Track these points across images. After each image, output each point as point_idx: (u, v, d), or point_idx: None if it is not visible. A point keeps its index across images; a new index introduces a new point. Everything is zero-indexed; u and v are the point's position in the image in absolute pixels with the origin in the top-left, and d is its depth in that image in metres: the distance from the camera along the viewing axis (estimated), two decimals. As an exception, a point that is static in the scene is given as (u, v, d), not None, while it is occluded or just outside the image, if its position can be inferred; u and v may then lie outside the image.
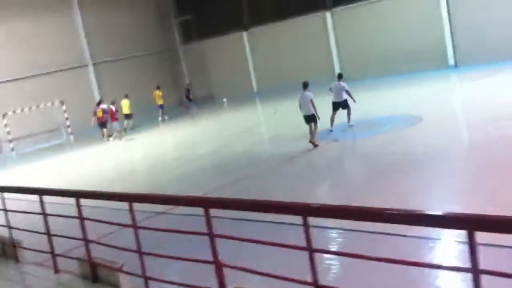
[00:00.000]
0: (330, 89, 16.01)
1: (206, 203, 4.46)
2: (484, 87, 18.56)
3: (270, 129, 20.25)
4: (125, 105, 26.90)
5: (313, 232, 3.59)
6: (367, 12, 27.63)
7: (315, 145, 13.86)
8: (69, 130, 29.04)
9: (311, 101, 13.96)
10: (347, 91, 15.64)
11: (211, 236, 4.36)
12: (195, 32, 35.74)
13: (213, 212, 4.32)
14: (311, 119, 14.03)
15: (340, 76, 16.38)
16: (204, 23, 34.97)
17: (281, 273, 3.96)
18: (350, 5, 28.33)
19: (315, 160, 13.02)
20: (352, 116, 15.84)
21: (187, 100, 31.45)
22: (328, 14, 29.27)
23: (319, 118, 14.01)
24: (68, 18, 31.23)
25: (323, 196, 10.00)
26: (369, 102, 20.05)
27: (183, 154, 17.93)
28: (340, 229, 7.35)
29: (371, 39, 27.55)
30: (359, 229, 6.73)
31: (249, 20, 33.43)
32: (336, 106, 15.75)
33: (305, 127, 14.40)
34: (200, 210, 4.45)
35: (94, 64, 32.11)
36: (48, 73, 29.62)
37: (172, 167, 15.85)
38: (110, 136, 24.55)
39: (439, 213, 2.96)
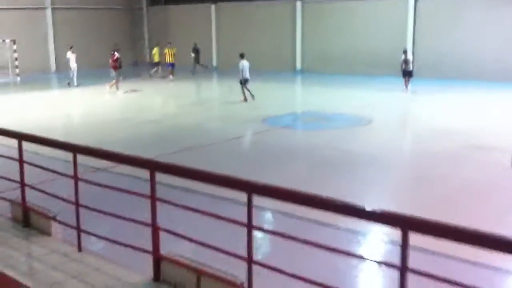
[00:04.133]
0: (240, 68, 18.86)
1: (152, 165, 4.43)
2: (435, 101, 19.20)
3: (222, 106, 20.20)
4: (156, 54, 27.56)
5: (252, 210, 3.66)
6: (338, 9, 27.91)
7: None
8: (17, 71, 27.96)
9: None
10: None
11: (153, 199, 4.36)
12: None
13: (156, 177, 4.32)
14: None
15: (242, 56, 19.10)
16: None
17: (215, 245, 4.02)
18: (321, -1, 28.56)
19: (263, 144, 13.13)
20: (306, 108, 16.16)
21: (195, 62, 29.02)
22: (298, 4, 29.34)
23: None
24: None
25: (263, 179, 10.08)
26: (324, 97, 20.39)
27: (133, 116, 17.60)
28: (278, 211, 7.49)
29: (338, 36, 27.89)
30: (296, 214, 6.87)
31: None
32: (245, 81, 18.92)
33: (257, 109, 14.41)
34: (142, 173, 4.43)
35: (53, 9, 30.93)
36: (3, 8, 28.32)
37: (119, 127, 15.54)
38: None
39: (378, 209, 3.10)
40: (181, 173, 4.43)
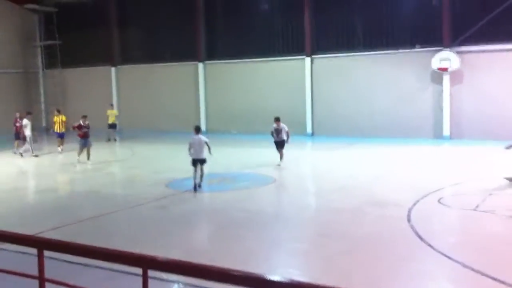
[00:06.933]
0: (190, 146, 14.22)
1: (40, 244, 4.10)
2: (335, 157, 19.97)
3: (124, 171, 19.65)
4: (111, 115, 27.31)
5: (152, 282, 3.46)
6: (239, 69, 28.71)
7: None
8: None
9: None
10: (207, 144, 14.14)
11: (41, 279, 4.01)
12: (60, 59, 34.08)
13: (48, 252, 3.99)
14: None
15: (198, 129, 14.62)
16: (71, 52, 33.64)
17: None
18: (222, 61, 29.27)
19: (167, 209, 12.80)
20: (211, 169, 15.90)
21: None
22: (200, 65, 29.85)
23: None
24: None
25: (168, 247, 9.72)
26: (229, 158, 20.47)
27: (22, 185, 16.59)
28: (184, 282, 7.22)
29: (240, 96, 28.58)
30: (202, 286, 6.63)
31: (119, 57, 32.86)
32: (200, 162, 14.19)
33: (161, 173, 14.15)
34: (32, 250, 4.09)
35: None
36: None
37: (6, 198, 14.48)
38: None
39: (274, 278, 3.02)
40: (70, 250, 4.13)
